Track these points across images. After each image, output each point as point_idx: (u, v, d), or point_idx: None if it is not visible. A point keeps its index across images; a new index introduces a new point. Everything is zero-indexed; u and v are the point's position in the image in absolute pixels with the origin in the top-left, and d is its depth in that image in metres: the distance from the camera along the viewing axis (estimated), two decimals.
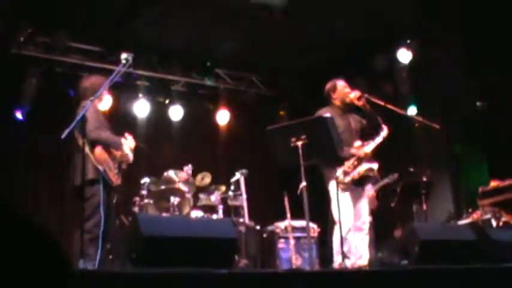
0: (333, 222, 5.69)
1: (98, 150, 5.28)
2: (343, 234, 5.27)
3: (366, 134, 5.97)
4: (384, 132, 5.84)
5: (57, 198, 8.22)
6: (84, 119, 4.82)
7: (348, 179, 5.67)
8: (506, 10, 7.38)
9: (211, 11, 7.87)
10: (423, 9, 7.86)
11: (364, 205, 5.93)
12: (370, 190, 7.46)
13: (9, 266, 1.06)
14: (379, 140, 5.83)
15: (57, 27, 8.20)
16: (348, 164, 5.67)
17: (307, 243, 6.39)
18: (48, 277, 1.12)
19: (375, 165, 5.74)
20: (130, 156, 5.62)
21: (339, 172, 5.58)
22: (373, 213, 7.61)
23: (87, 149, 5.08)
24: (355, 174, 5.68)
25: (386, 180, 7.27)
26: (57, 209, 8.26)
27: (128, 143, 5.66)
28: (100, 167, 5.19)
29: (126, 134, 5.74)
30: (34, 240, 1.12)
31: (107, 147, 5.38)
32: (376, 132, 5.88)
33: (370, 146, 5.79)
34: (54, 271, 1.14)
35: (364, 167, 5.69)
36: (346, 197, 5.63)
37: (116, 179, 5.35)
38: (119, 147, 5.50)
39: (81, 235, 4.60)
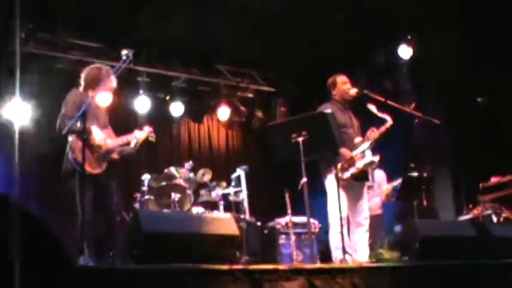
0: (331, 217, 5.68)
1: (72, 138, 5.05)
2: (339, 230, 5.26)
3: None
4: (387, 124, 5.79)
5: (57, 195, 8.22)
6: (84, 114, 4.75)
7: (347, 174, 5.64)
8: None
9: (211, 7, 7.87)
10: (423, 5, 7.84)
11: (365, 201, 5.91)
12: (385, 186, 7.51)
13: (12, 262, 1.07)
14: (378, 133, 5.80)
15: (57, 23, 8.20)
16: (346, 158, 5.66)
17: (308, 239, 6.40)
18: (50, 274, 1.12)
19: (375, 158, 5.70)
20: (106, 144, 5.25)
21: (338, 168, 5.51)
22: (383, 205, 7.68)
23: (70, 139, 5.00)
24: (354, 169, 5.66)
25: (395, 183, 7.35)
26: (58, 204, 8.25)
27: (138, 134, 5.50)
28: (70, 155, 4.98)
29: (146, 127, 5.64)
30: (36, 237, 1.13)
31: (80, 135, 4.90)
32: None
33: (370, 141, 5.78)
34: (56, 268, 1.14)
35: (365, 160, 5.67)
36: (342, 193, 5.49)
37: (92, 167, 5.08)
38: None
39: (80, 231, 4.57)
